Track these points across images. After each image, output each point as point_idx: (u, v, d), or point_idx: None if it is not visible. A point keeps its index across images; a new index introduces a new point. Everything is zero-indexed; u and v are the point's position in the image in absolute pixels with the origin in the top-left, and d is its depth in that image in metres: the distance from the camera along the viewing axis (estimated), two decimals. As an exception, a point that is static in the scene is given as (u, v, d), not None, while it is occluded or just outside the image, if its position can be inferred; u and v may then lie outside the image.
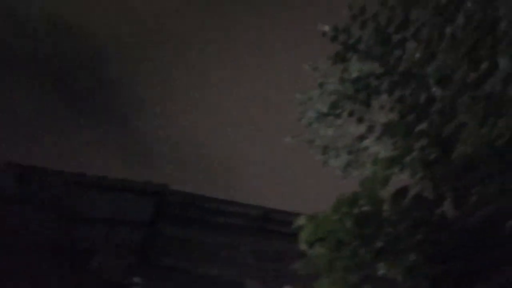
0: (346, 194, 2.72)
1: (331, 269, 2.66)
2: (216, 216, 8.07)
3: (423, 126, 3.72)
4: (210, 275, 7.37)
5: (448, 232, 2.94)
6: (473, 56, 4.26)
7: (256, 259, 8.13)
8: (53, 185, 6.88)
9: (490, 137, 3.40)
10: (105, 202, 6.63)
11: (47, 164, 6.91)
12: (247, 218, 7.90)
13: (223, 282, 7.15)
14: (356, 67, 5.03)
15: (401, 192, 2.78)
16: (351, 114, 5.51)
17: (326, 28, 4.78)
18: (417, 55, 4.09)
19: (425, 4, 4.11)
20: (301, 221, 2.78)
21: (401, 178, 3.35)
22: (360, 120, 5.47)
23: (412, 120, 3.71)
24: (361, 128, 5.62)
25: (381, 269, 2.92)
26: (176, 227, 7.78)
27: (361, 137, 5.71)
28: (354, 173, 5.66)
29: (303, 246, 2.78)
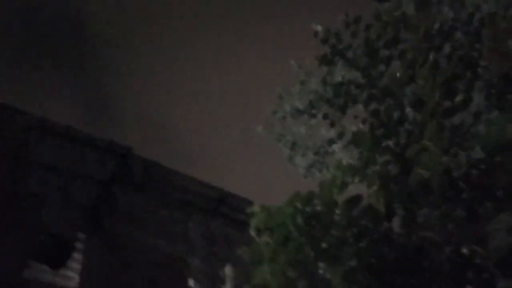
0: (303, 191, 2.81)
1: (274, 260, 2.75)
2: (174, 190, 8.08)
3: (389, 142, 3.84)
4: (155, 247, 7.39)
5: (390, 246, 3.07)
6: (451, 86, 4.42)
7: (205, 240, 8.20)
8: (11, 124, 6.69)
9: (449, 166, 3.55)
10: (64, 152, 6.52)
11: (7, 102, 6.68)
12: (204, 197, 7.94)
13: (166, 256, 7.18)
14: (339, 73, 5.12)
15: (355, 199, 2.89)
16: (325, 117, 5.62)
17: (319, 28, 4.84)
18: (398, 74, 4.21)
19: (416, 28, 4.22)
20: (254, 208, 2.85)
21: (359, 188, 3.47)
22: (332, 125, 5.59)
23: (380, 134, 3.82)
24: (332, 133, 5.75)
25: (321, 269, 3.03)
26: (132, 192, 7.74)
27: (330, 141, 5.84)
28: (316, 174, 5.80)
29: (252, 233, 2.86)
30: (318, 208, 2.82)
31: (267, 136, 6.45)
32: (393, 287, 3.12)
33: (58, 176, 6.86)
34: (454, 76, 4.45)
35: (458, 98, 4.43)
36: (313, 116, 5.80)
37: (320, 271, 3.09)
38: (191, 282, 3.54)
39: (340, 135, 5.56)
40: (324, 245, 2.96)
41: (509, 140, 3.69)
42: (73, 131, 6.46)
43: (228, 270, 3.10)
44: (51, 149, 6.62)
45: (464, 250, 2.80)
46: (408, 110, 4.48)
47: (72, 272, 6.80)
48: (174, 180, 8.41)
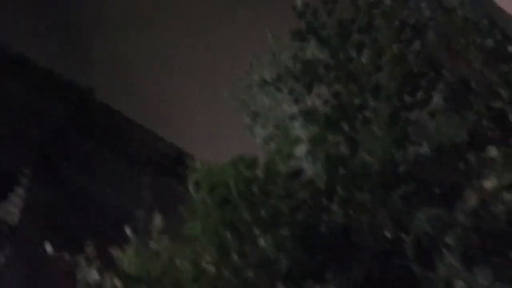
0: (247, 155, 2.84)
1: (208, 218, 2.79)
2: (132, 141, 7.98)
3: (344, 125, 3.92)
4: (103, 195, 7.33)
5: (324, 223, 3.18)
6: (414, 83, 4.52)
7: (153, 195, 8.18)
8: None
9: (394, 158, 3.67)
10: (19, 85, 6.28)
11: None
12: (161, 154, 7.89)
13: (111, 205, 7.15)
14: (311, 50, 5.12)
15: (297, 172, 2.96)
16: (291, 92, 5.64)
17: (298, 2, 4.80)
18: (364, 60, 4.27)
19: (391, 17, 4.26)
20: (195, 163, 2.87)
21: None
22: (296, 101, 5.62)
23: (336, 116, 3.90)
24: (295, 109, 5.78)
25: (256, 235, 3.10)
26: (87, 137, 7.60)
27: (292, 117, 5.88)
28: (273, 147, 5.84)
29: (190, 188, 2.89)
30: (260, 175, 2.88)
31: (232, 102, 6.43)
32: (322, 262, 3.25)
33: (9, 108, 6.63)
34: (418, 73, 4.55)
35: (419, 95, 4.55)
36: (279, 89, 5.80)
37: (255, 237, 3.17)
38: (129, 231, 3.57)
39: (302, 113, 5.61)
40: (261, 212, 3.03)
41: (455, 142, 3.84)
42: (31, 62, 6.23)
43: (157, 219, 3.14)
44: (4, 79, 6.37)
45: (388, 235, 2.93)
46: (369, 98, 4.56)
47: (14, 207, 6.69)
48: (134, 131, 8.31)
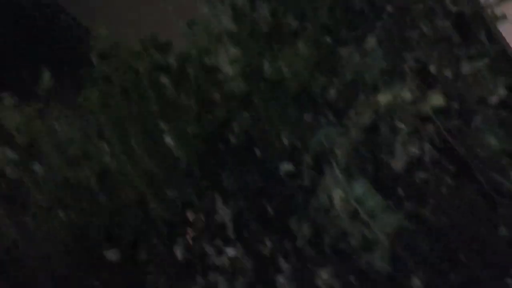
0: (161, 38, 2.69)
1: (109, 98, 2.66)
2: (57, 28, 7.45)
3: (273, 42, 3.86)
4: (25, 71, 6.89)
5: (231, 129, 3.18)
6: (353, 19, 4.51)
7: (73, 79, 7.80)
8: None
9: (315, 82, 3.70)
10: None
11: None
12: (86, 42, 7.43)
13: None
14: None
15: (213, 70, 2.88)
16: (233, 8, 5.43)
17: None
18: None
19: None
20: (99, 30, 2.67)
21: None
22: (236, 17, 5.44)
23: (269, 32, 3.82)
24: (233, 26, 5.61)
25: (160, 129, 3.05)
26: (10, 18, 6.98)
27: (230, 34, 5.71)
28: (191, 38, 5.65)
29: (94, 59, 2.72)
30: (173, 63, 2.77)
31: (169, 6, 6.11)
32: (223, 167, 3.29)
33: None
34: (359, 11, 4.53)
35: (356, 33, 4.55)
36: (221, 0, 5.57)
37: (159, 131, 3.12)
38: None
39: (241, 27, 5.45)
40: (170, 106, 2.96)
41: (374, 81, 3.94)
42: None
43: (45, 77, 2.96)
44: None
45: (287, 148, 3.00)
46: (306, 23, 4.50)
47: None
48: (63, 20, 7.79)
